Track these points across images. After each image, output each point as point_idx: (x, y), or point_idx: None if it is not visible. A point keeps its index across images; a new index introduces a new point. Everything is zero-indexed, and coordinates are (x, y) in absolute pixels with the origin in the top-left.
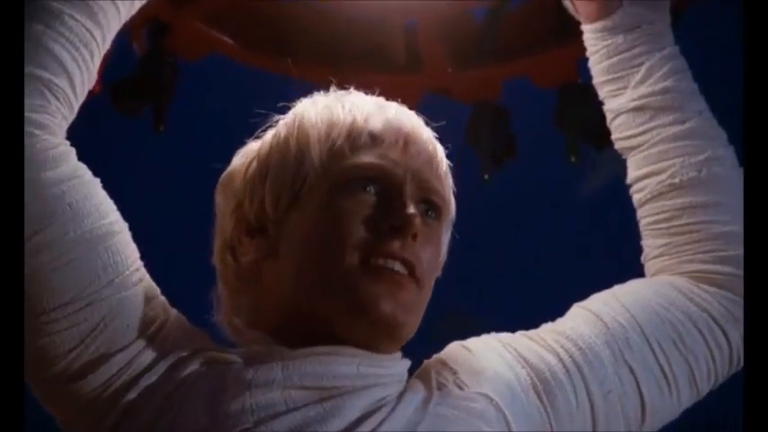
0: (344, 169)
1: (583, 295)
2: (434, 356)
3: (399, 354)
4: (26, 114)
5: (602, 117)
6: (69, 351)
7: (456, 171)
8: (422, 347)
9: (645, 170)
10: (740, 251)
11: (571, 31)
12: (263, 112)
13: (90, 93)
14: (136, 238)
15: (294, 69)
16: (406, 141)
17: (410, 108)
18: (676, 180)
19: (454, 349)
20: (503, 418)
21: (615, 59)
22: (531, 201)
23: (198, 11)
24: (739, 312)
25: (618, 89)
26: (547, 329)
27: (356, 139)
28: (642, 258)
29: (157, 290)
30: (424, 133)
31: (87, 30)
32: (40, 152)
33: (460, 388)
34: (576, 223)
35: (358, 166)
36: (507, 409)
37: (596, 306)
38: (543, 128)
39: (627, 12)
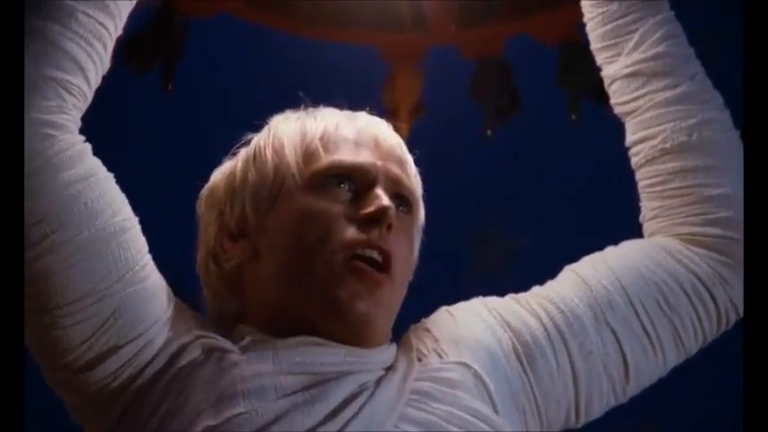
0: (319, 168)
1: (585, 252)
2: (421, 321)
3: (385, 346)
4: (43, 116)
5: None
6: (81, 344)
7: (460, 128)
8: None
9: (639, 135)
10: (730, 213)
11: None
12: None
13: None
14: (142, 198)
15: (300, 28)
16: (376, 143)
17: (415, 66)
18: (668, 145)
19: (439, 315)
20: (482, 384)
21: (610, 26)
22: (535, 157)
23: None
24: (727, 273)
25: (613, 56)
26: (534, 293)
27: (329, 142)
28: (640, 218)
29: (163, 281)
30: (394, 138)
31: (101, 24)
32: (57, 154)
33: (440, 356)
34: (580, 179)
35: (333, 163)
36: (487, 377)
37: (584, 269)
38: (546, 85)
39: None
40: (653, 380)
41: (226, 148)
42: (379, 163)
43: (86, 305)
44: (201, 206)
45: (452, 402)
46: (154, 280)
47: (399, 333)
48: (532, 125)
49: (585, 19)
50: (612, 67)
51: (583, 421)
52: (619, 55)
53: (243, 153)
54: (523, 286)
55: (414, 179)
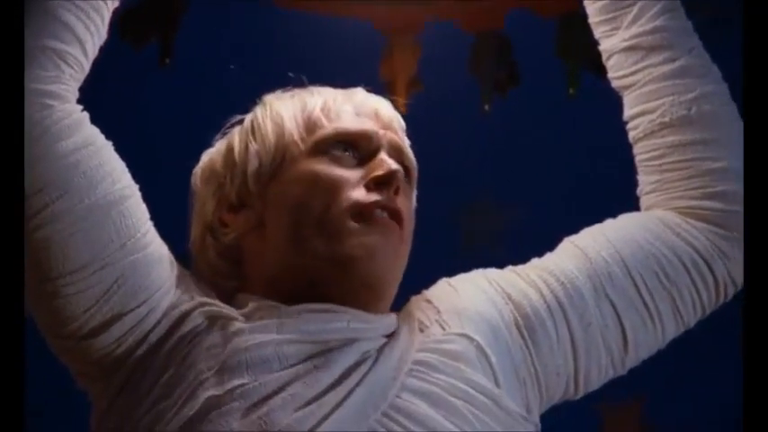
0: (324, 135)
1: (583, 226)
2: (421, 293)
3: (389, 315)
4: (41, 86)
5: None
6: (84, 312)
7: (457, 103)
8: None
9: (638, 109)
10: (729, 186)
11: None
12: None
13: None
14: (140, 171)
15: (296, 2)
16: (377, 114)
17: (413, 39)
18: (666, 119)
19: (440, 287)
20: (484, 356)
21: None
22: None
23: None
24: (726, 246)
25: (611, 29)
26: (533, 265)
27: (330, 111)
28: (638, 192)
29: (165, 248)
30: (393, 110)
31: None
32: (56, 123)
33: (442, 328)
34: (577, 153)
35: (337, 130)
36: (489, 348)
37: (583, 241)
38: (545, 59)
39: None
40: (651, 352)
41: (222, 123)
42: (381, 131)
43: (89, 273)
44: (197, 182)
45: (455, 374)
46: (156, 247)
47: (394, 305)
48: (530, 99)
49: None
50: (610, 41)
51: (582, 393)
52: (617, 29)
53: (239, 129)
54: (516, 259)
55: (410, 150)
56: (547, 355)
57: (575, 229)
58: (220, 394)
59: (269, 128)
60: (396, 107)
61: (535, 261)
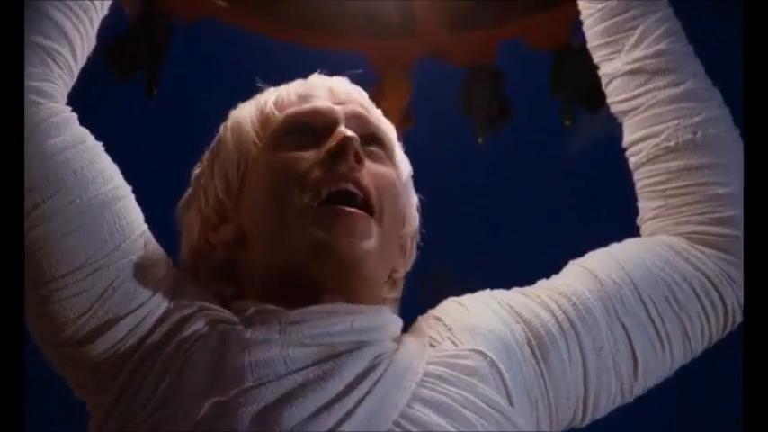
0: (277, 125)
1: (578, 255)
2: (429, 312)
3: (389, 308)
4: (29, 83)
5: (597, 79)
6: (80, 316)
7: (450, 136)
8: (412, 311)
9: (640, 133)
10: (736, 212)
11: None
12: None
13: None
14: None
15: (288, 34)
16: (331, 91)
17: (405, 73)
18: (672, 143)
19: (449, 305)
20: (497, 373)
21: (609, 23)
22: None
23: None
24: (734, 272)
25: (612, 53)
26: (541, 286)
27: (282, 102)
28: (638, 220)
29: (162, 252)
30: (351, 86)
31: None
32: (44, 120)
33: (454, 344)
34: (571, 186)
35: (287, 116)
36: (502, 365)
37: (591, 263)
38: (538, 91)
39: None
40: (659, 380)
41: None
42: (337, 107)
43: (83, 276)
44: (182, 209)
45: (467, 388)
46: (152, 249)
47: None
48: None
49: (583, 16)
50: (612, 65)
51: (588, 419)
52: (619, 52)
53: (207, 151)
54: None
55: (381, 120)
56: (559, 378)
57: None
58: (227, 399)
59: (229, 139)
60: None
61: (543, 282)
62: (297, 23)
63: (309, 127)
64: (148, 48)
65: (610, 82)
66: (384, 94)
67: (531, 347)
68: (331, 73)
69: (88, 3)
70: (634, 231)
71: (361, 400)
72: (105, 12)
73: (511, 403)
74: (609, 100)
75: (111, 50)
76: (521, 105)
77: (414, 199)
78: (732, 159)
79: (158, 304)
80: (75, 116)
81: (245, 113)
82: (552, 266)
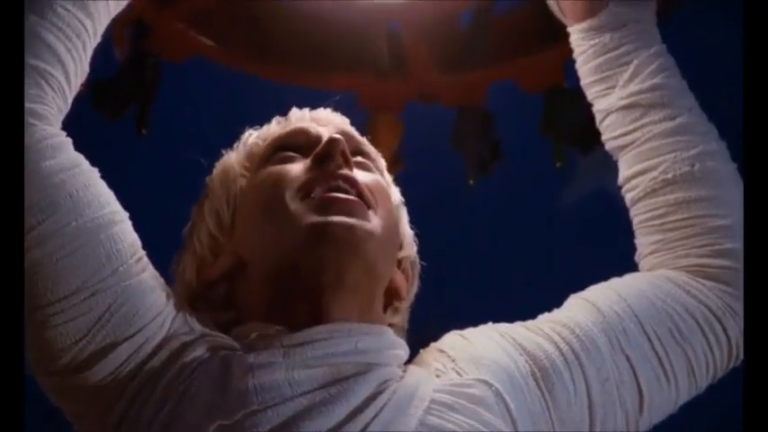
0: (262, 150)
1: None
2: (431, 345)
3: (393, 332)
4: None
5: (588, 121)
6: (77, 342)
7: (441, 177)
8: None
9: (637, 168)
10: (736, 244)
11: (557, 34)
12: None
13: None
14: None
15: (277, 74)
16: (312, 117)
17: (395, 115)
18: (669, 176)
19: (451, 338)
20: (503, 403)
21: (603, 59)
22: (517, 206)
23: (180, 13)
24: (737, 305)
25: (607, 88)
26: (544, 319)
27: (266, 132)
28: (636, 257)
29: (160, 278)
30: (332, 113)
31: (79, 21)
32: (39, 142)
33: (459, 374)
34: (563, 228)
35: (273, 139)
36: (507, 395)
37: (593, 296)
38: (529, 132)
39: (613, 11)
40: (664, 415)
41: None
42: (321, 128)
43: (79, 300)
44: (174, 267)
45: (473, 416)
46: (149, 274)
47: None
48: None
49: (576, 53)
50: (607, 100)
51: None
52: (613, 88)
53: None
54: None
55: (369, 145)
56: (565, 410)
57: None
58: (231, 423)
59: (216, 182)
60: None
61: (544, 316)
62: (286, 63)
63: (294, 145)
64: (138, 88)
65: (605, 118)
66: (374, 136)
67: (535, 379)
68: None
69: (81, 27)
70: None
71: (367, 426)
72: (98, 39)
73: None
74: (604, 137)
75: (100, 91)
76: (513, 147)
77: (407, 226)
78: (730, 192)
79: (157, 330)
80: (69, 141)
81: (230, 157)
82: (545, 306)
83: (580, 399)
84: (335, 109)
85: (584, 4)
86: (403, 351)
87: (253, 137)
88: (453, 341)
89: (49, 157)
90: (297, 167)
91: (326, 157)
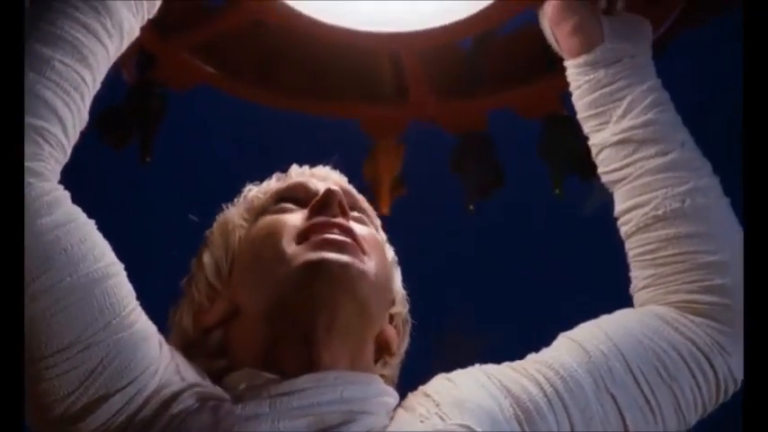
0: (262, 202)
1: (571, 326)
2: (419, 389)
3: (381, 380)
4: None
5: (587, 148)
6: (69, 394)
7: (442, 202)
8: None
9: (630, 203)
10: (726, 280)
11: (557, 62)
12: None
13: None
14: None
15: (281, 101)
16: (311, 173)
17: (397, 140)
18: (660, 212)
19: (438, 382)
20: None
21: (597, 94)
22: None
23: (185, 42)
24: (724, 341)
25: (601, 123)
26: (530, 360)
27: (266, 187)
28: (631, 290)
29: (153, 327)
30: (330, 170)
31: (77, 73)
32: (35, 200)
33: (442, 419)
34: (563, 253)
35: (273, 191)
36: None
37: (580, 335)
38: (529, 159)
39: (608, 47)
40: None
41: (206, 221)
42: (320, 183)
43: (72, 354)
44: (172, 316)
45: None
46: (142, 326)
47: None
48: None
49: (572, 87)
50: (601, 135)
51: None
52: (607, 123)
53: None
54: None
55: (366, 203)
56: None
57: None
58: None
59: (216, 231)
60: (379, 207)
61: (532, 356)
62: (290, 90)
63: (293, 197)
64: (143, 117)
65: (599, 152)
66: (377, 161)
67: (519, 422)
68: (324, 138)
69: (79, 80)
70: (627, 299)
71: None
72: (98, 87)
73: None
74: (599, 170)
75: (106, 120)
76: (513, 172)
77: (400, 284)
78: (722, 228)
79: (148, 381)
80: (67, 194)
81: (230, 210)
82: (546, 327)
83: None
84: (340, 134)
85: (579, 38)
86: (392, 398)
87: (253, 191)
88: (439, 385)
89: (45, 215)
90: (295, 217)
91: (324, 206)
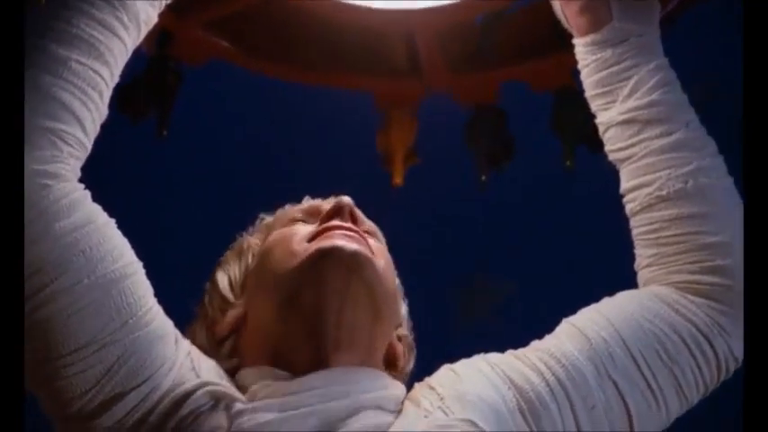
0: (275, 223)
1: (579, 301)
2: (425, 380)
3: (388, 375)
4: (38, 167)
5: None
6: (86, 392)
7: (454, 174)
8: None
9: (634, 182)
10: (728, 261)
11: (567, 37)
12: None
13: None
14: (138, 244)
15: (295, 74)
16: (325, 200)
17: (410, 112)
18: (663, 192)
19: (442, 373)
20: None
21: (604, 73)
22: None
23: (200, 19)
24: (725, 321)
25: (607, 102)
26: (533, 347)
27: (281, 212)
28: (635, 266)
29: (170, 324)
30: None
31: (95, 71)
32: (54, 203)
33: (445, 414)
34: (573, 227)
35: (288, 212)
36: None
37: (581, 321)
38: (541, 131)
39: (616, 26)
40: None
41: (221, 195)
42: (332, 204)
43: (89, 353)
44: (188, 333)
45: None
46: (159, 324)
47: None
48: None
49: (580, 66)
50: (607, 114)
51: None
52: (613, 102)
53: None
54: (512, 332)
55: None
56: None
57: (576, 302)
58: None
59: (231, 252)
60: (393, 179)
61: (535, 344)
62: (304, 64)
63: (306, 216)
64: (159, 90)
65: (606, 131)
66: (391, 133)
67: (522, 413)
68: (337, 111)
69: (97, 78)
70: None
71: None
72: (116, 80)
73: None
74: (606, 148)
75: (124, 94)
76: (525, 144)
77: (406, 309)
78: (725, 208)
79: (163, 379)
80: (87, 194)
81: (245, 236)
82: (552, 303)
83: (568, 428)
84: (354, 107)
85: (588, 17)
86: (399, 391)
87: (268, 217)
88: (443, 377)
89: (64, 217)
90: (306, 228)
91: (336, 214)
